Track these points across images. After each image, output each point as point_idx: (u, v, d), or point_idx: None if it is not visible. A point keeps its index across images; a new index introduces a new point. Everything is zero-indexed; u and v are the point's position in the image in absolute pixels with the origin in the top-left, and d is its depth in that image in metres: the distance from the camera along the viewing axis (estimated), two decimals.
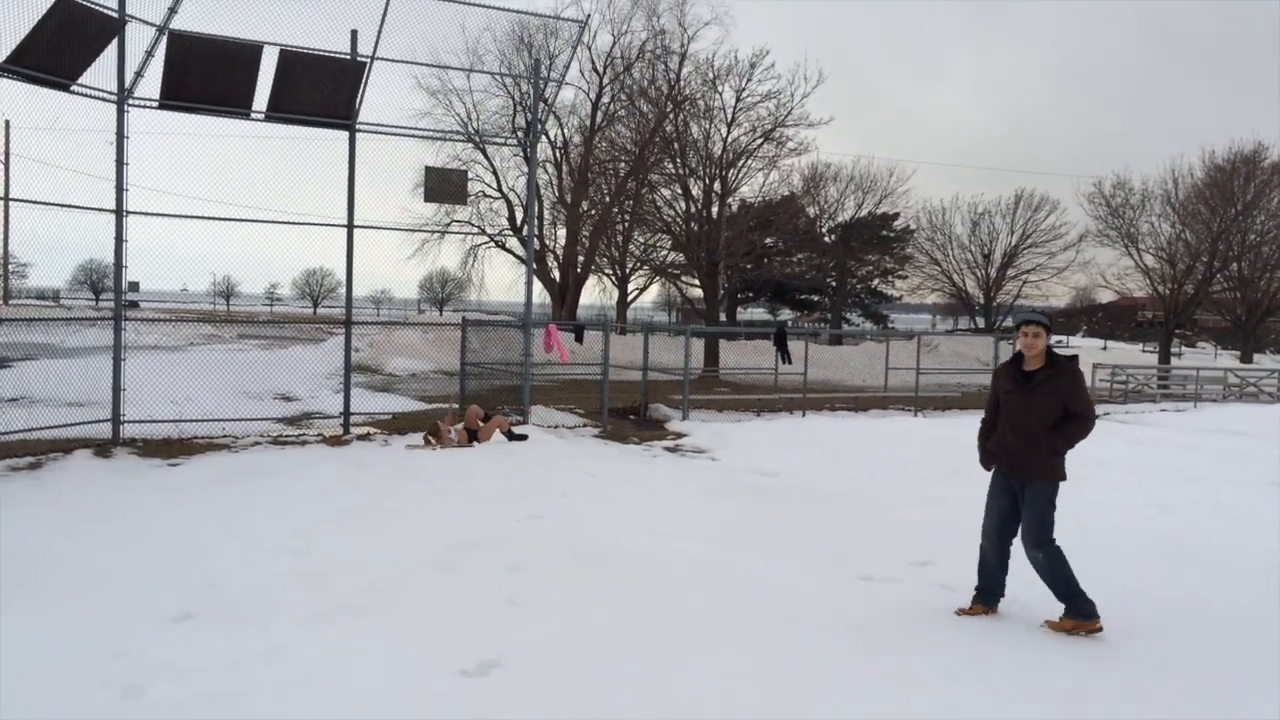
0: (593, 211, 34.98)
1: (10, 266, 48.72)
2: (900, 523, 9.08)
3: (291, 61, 13.23)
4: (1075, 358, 6.24)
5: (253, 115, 13.51)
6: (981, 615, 6.26)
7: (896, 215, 49.88)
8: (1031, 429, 6.05)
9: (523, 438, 13.25)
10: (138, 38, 12.44)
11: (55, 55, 11.42)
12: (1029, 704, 4.86)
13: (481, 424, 13.13)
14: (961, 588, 6.73)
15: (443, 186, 15.55)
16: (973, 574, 6.42)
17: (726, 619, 5.98)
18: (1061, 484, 6.07)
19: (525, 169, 22.36)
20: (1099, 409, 20.49)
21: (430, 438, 12.78)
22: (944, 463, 12.27)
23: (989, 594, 6.33)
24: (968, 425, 17.02)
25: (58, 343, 24.29)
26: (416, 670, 5.07)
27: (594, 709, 4.65)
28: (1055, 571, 6.01)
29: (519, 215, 34.50)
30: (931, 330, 49.84)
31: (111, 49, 12.17)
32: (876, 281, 55.09)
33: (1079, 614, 5.93)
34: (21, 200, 12.02)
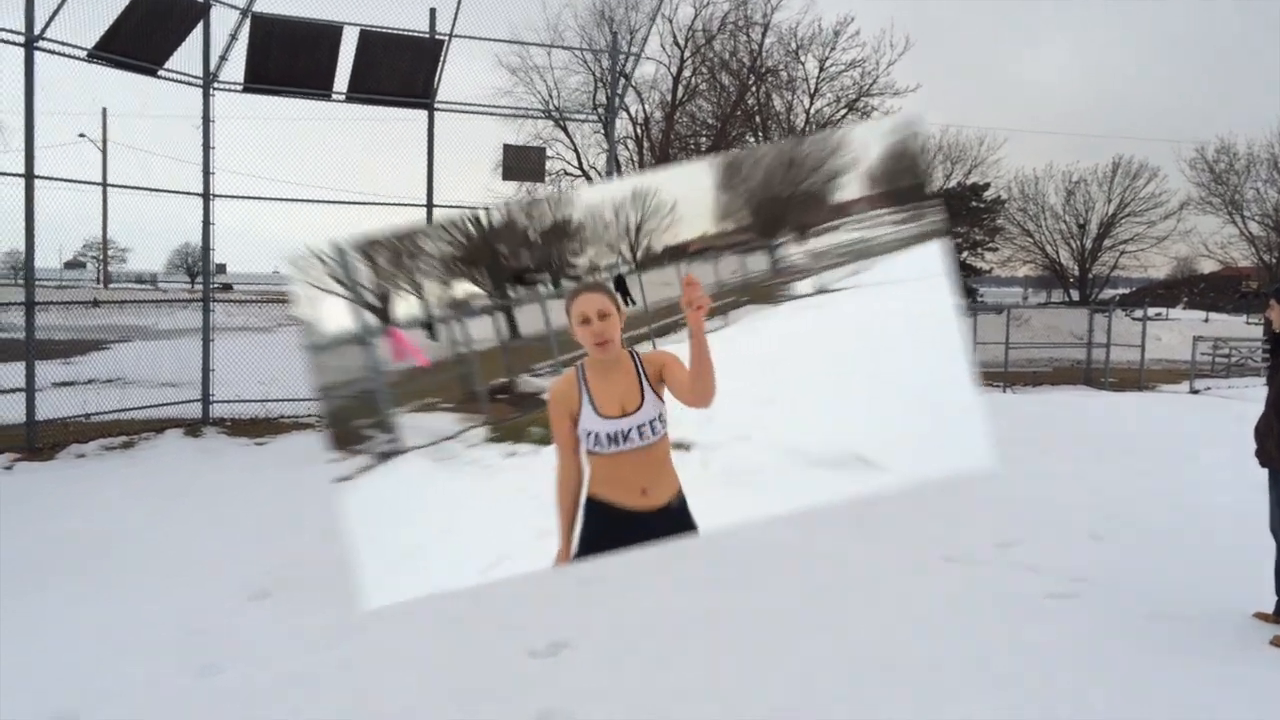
0: None
1: (109, 251, 50.51)
2: (985, 501, 8.79)
3: (371, 41, 13.31)
4: None
5: (334, 96, 13.65)
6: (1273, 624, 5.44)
7: (987, 185, 48.52)
8: (1268, 407, 5.39)
9: None
10: (222, 21, 12.68)
11: (143, 40, 11.66)
12: (1114, 698, 4.64)
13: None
14: (1046, 569, 6.48)
15: (521, 164, 15.53)
16: (1060, 553, 6.13)
17: (803, 602, 5.86)
18: None
19: (606, 146, 22.30)
20: (1199, 384, 19.73)
21: None
22: (1033, 439, 11.88)
23: None
24: (1058, 402, 16.62)
25: (151, 325, 25.10)
26: (487, 650, 5.05)
27: (664, 691, 4.58)
28: None
29: None
30: (1022, 303, 48.50)
31: (196, 33, 12.39)
32: (965, 254, 53.79)
33: None
34: (115, 185, 12.36)
